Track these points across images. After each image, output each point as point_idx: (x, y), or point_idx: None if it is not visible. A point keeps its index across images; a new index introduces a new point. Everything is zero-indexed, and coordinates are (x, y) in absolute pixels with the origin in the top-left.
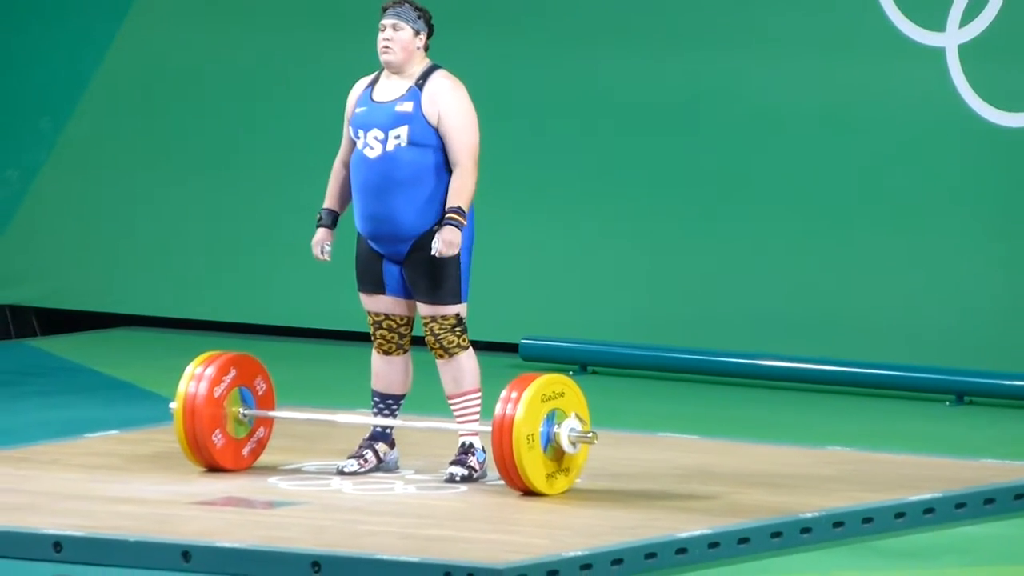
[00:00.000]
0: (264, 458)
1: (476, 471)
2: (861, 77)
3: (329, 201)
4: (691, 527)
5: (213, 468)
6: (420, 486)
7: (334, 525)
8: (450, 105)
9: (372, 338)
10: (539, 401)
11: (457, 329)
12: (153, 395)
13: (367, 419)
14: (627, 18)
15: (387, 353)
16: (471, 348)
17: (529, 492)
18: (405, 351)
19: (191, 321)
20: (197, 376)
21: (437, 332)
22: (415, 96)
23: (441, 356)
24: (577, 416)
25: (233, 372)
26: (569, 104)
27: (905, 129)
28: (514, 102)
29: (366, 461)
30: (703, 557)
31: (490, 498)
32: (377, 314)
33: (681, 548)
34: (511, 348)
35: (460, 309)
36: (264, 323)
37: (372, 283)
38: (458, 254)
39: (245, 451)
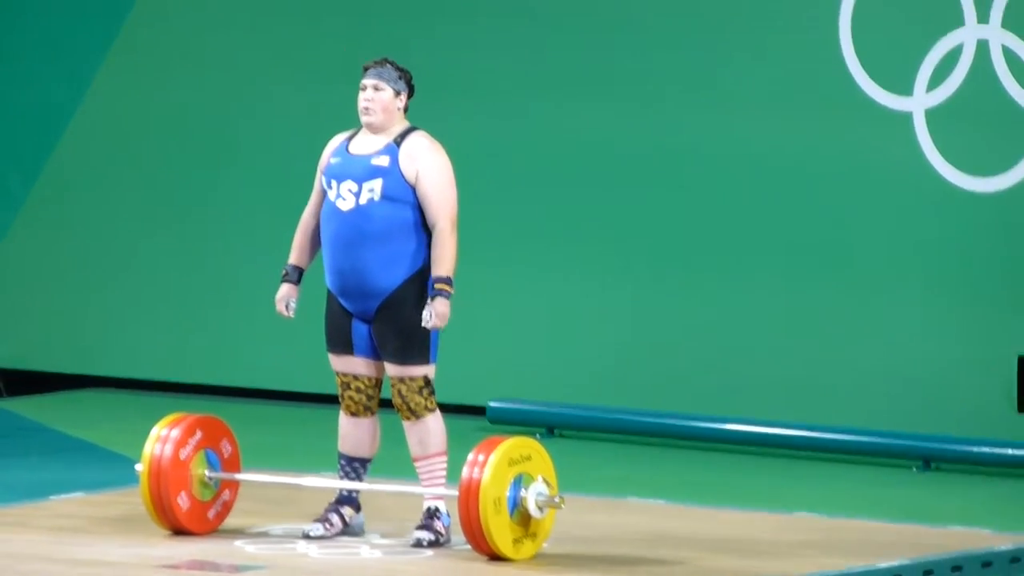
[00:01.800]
0: (230, 521)
1: (442, 536)
2: (829, 140)
3: (295, 256)
4: None
5: (179, 531)
6: (386, 550)
7: None
8: (429, 164)
9: (340, 399)
10: (506, 465)
11: (425, 391)
12: (119, 457)
13: (333, 482)
14: (598, 74)
15: (355, 415)
16: (438, 411)
17: (496, 557)
18: (373, 413)
19: (158, 383)
20: (163, 438)
21: (404, 394)
22: (392, 151)
23: (408, 418)
24: (544, 480)
25: (199, 434)
26: (537, 163)
27: (872, 193)
28: (481, 160)
29: (332, 525)
30: None
31: (456, 563)
32: (345, 375)
33: None
34: (478, 411)
35: (428, 371)
36: (230, 385)
37: (341, 343)
38: None
39: (211, 514)
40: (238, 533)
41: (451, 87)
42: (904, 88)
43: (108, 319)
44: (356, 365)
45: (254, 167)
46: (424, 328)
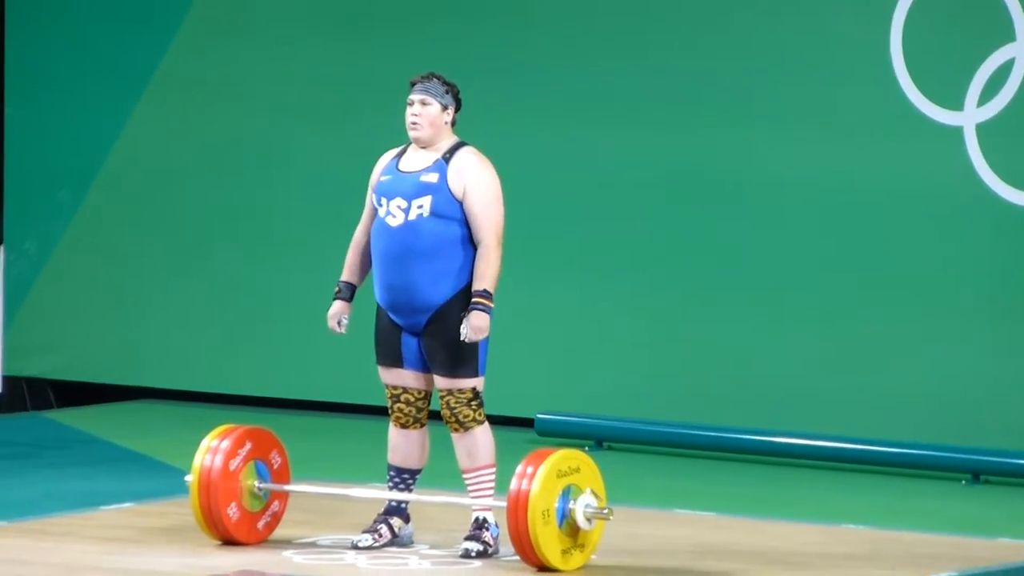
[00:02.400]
0: (279, 531)
1: (490, 546)
2: (879, 155)
3: (347, 273)
4: None
5: (228, 541)
6: (435, 561)
7: None
8: (476, 180)
9: (389, 411)
10: (555, 476)
11: (473, 403)
12: (168, 468)
13: (382, 493)
14: (642, 93)
15: (404, 427)
16: (487, 423)
17: (544, 568)
18: (422, 425)
19: (207, 394)
20: (213, 449)
21: (453, 405)
22: (441, 168)
23: (456, 430)
24: (593, 492)
25: (248, 445)
26: (585, 178)
27: (922, 208)
28: (529, 177)
29: (380, 536)
30: None
31: (505, 573)
32: (395, 387)
33: None
34: (527, 423)
35: (477, 383)
36: (280, 396)
37: (391, 356)
38: None
39: (260, 524)
40: (287, 543)
41: (497, 106)
42: (955, 103)
43: (158, 331)
44: (406, 378)
45: (303, 183)
46: (474, 341)
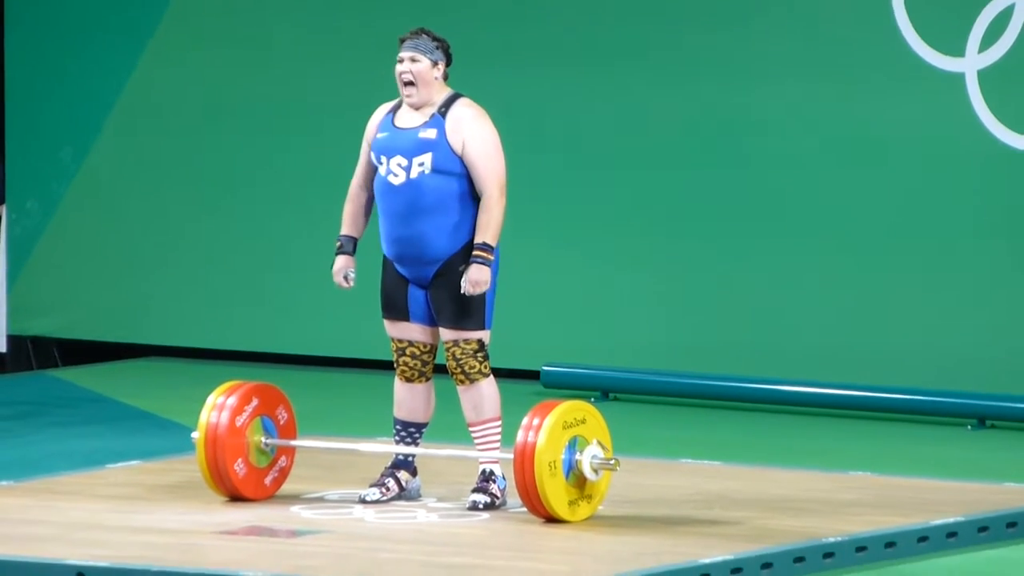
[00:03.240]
0: (286, 487)
1: (498, 498)
2: (881, 104)
3: (347, 227)
4: (714, 553)
5: (235, 497)
6: (442, 514)
7: (356, 554)
8: (474, 133)
9: (395, 365)
10: (561, 428)
11: (479, 355)
12: (175, 425)
13: (389, 447)
14: (648, 49)
15: (410, 380)
16: (492, 376)
17: (551, 519)
18: (428, 379)
19: (212, 351)
20: (219, 406)
21: (459, 356)
22: (439, 123)
23: (462, 382)
24: (599, 443)
25: (255, 402)
26: (590, 133)
27: (925, 155)
28: (534, 131)
29: (388, 489)
30: None
31: (512, 525)
32: (401, 341)
33: (704, 574)
34: (532, 375)
35: (483, 335)
36: (285, 352)
37: (397, 309)
38: None
39: (267, 480)
40: (295, 499)
41: (504, 58)
42: (956, 49)
43: (162, 288)
44: (412, 331)
45: (308, 138)
46: (481, 293)
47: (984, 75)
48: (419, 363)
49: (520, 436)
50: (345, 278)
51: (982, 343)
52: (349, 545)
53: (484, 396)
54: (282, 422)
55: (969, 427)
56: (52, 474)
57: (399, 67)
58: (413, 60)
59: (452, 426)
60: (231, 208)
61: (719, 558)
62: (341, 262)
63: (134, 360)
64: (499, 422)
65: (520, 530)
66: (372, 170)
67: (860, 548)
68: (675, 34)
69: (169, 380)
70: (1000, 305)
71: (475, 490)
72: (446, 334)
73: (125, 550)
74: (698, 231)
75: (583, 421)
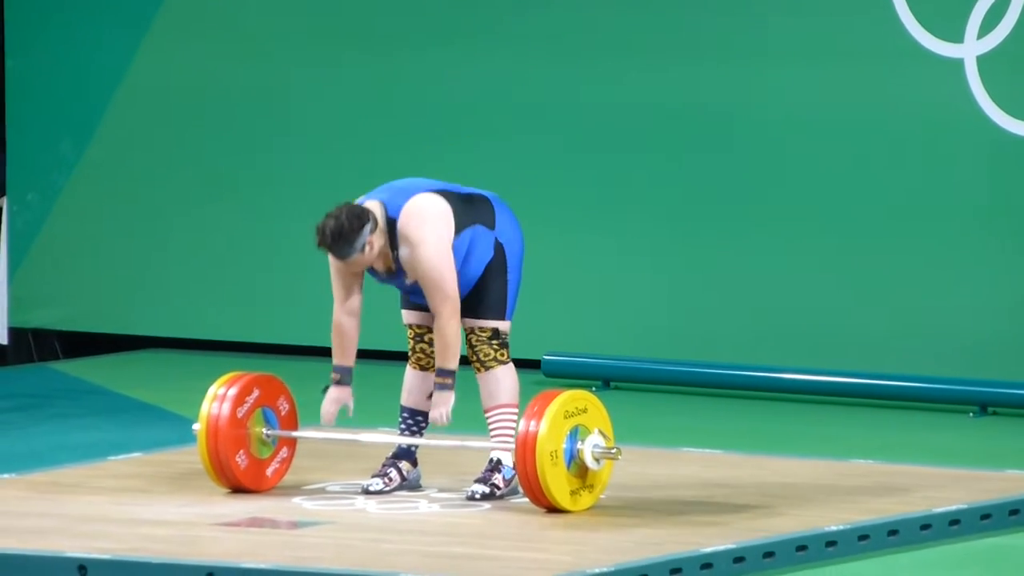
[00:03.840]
0: (288, 478)
1: (499, 488)
2: (879, 89)
3: (340, 357)
4: (716, 542)
5: (237, 489)
6: (444, 504)
7: (359, 544)
8: (416, 260)
9: (410, 352)
10: (562, 417)
11: (494, 343)
12: (176, 417)
13: (391, 437)
14: (647, 33)
15: (424, 368)
16: (511, 364)
17: (553, 509)
18: None
19: (214, 342)
20: (220, 397)
21: (474, 343)
22: (400, 271)
23: (478, 369)
24: (600, 432)
25: (256, 392)
26: (591, 120)
27: (924, 140)
28: (536, 119)
29: (391, 480)
30: (728, 571)
31: (514, 515)
32: (419, 327)
33: (706, 563)
34: (533, 364)
35: (500, 324)
36: (287, 343)
37: (417, 295)
38: (505, 272)
39: (269, 471)
40: (296, 490)
41: (500, 47)
42: (955, 35)
43: (162, 280)
44: (429, 318)
45: (305, 129)
46: (502, 283)
47: (983, 61)
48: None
49: (521, 426)
50: (341, 409)
51: (984, 330)
52: (351, 536)
53: (498, 382)
54: (283, 413)
55: (971, 414)
56: (54, 466)
57: (346, 268)
58: (355, 262)
59: (459, 416)
60: (232, 198)
61: (721, 547)
62: (338, 392)
63: (135, 352)
64: (514, 409)
65: (522, 520)
66: (354, 291)
67: (863, 536)
68: (672, 21)
69: (170, 372)
70: (1002, 291)
71: (477, 480)
72: (464, 321)
73: (127, 542)
74: (698, 219)
75: (584, 410)
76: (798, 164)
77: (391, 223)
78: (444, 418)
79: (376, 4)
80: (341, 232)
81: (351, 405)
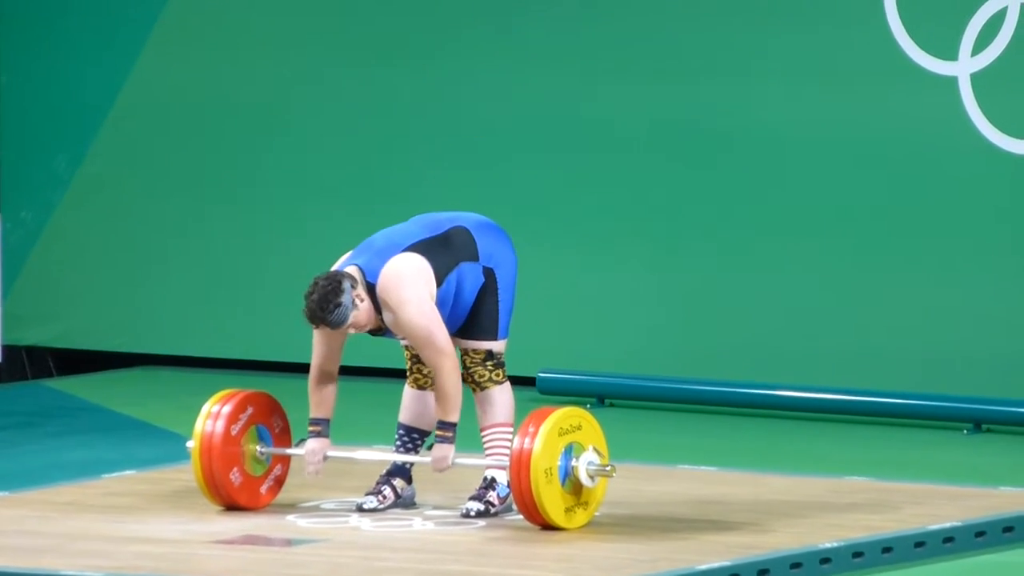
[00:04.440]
0: (282, 496)
1: (494, 506)
2: (874, 106)
3: (318, 410)
4: (711, 559)
5: (231, 506)
6: (438, 522)
7: (353, 562)
8: (399, 319)
9: (408, 373)
10: (556, 435)
11: (488, 363)
12: (170, 434)
13: (386, 455)
14: (641, 49)
15: (422, 388)
16: (507, 383)
17: (548, 526)
18: None
19: (209, 359)
20: (214, 415)
21: (468, 365)
22: (388, 331)
23: (474, 390)
24: (595, 449)
25: (250, 410)
26: (583, 135)
27: (918, 158)
28: (530, 133)
29: (385, 497)
30: None
31: (509, 533)
32: (411, 347)
33: None
34: (529, 382)
35: (494, 345)
36: (282, 360)
37: None
38: (496, 292)
39: (263, 489)
40: (291, 508)
41: (503, 60)
42: (949, 53)
43: (157, 297)
44: None
45: (301, 145)
46: (494, 303)
47: (977, 78)
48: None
49: (516, 444)
50: (318, 461)
51: (978, 347)
52: (345, 554)
53: (494, 401)
54: (277, 430)
55: (965, 431)
56: (48, 484)
57: (340, 334)
58: (351, 324)
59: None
60: (226, 216)
61: (716, 564)
62: (317, 443)
63: (130, 369)
64: (509, 428)
65: (517, 537)
66: (335, 357)
67: (857, 554)
68: (664, 38)
69: (165, 389)
70: (996, 308)
71: (472, 497)
72: (458, 342)
73: (121, 560)
74: (693, 237)
75: (579, 427)
76: (791, 182)
77: (371, 288)
78: (443, 469)
79: (373, 18)
80: (327, 299)
81: (328, 455)
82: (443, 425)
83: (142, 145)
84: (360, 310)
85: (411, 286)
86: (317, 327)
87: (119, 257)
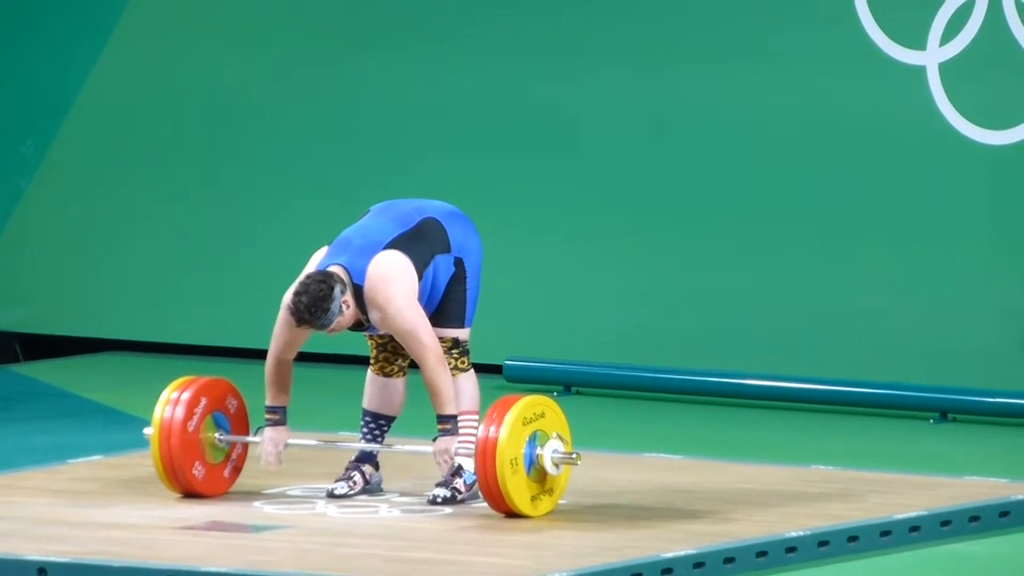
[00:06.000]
0: (247, 482)
1: (461, 493)
2: (842, 96)
3: (275, 399)
4: (676, 547)
5: (191, 494)
6: (404, 508)
7: (318, 548)
8: (387, 321)
9: (372, 360)
10: (521, 424)
11: (455, 352)
12: (137, 420)
13: (352, 443)
14: (613, 38)
15: (388, 376)
16: (472, 371)
17: (513, 514)
18: (404, 373)
19: (174, 345)
20: (172, 401)
21: None
22: (372, 326)
23: None
24: (559, 436)
25: (203, 402)
26: (551, 122)
27: (886, 148)
28: (498, 122)
29: (355, 483)
30: None
31: (474, 520)
32: (380, 336)
33: (666, 568)
34: (495, 369)
35: (459, 333)
36: (247, 347)
37: None
38: (464, 281)
39: (225, 473)
40: (256, 494)
41: (473, 50)
42: (918, 42)
43: (123, 283)
44: None
45: (267, 133)
46: (461, 292)
47: (945, 68)
48: (399, 357)
49: (480, 433)
50: (279, 453)
51: (944, 337)
52: (311, 540)
53: (460, 390)
54: (232, 411)
55: (931, 421)
56: (13, 469)
57: (317, 334)
58: (335, 327)
59: (419, 421)
60: (193, 202)
61: (681, 552)
62: (276, 433)
63: (96, 355)
64: (475, 416)
65: (483, 525)
66: (294, 349)
67: (823, 543)
68: (634, 27)
69: (131, 375)
70: (962, 299)
71: (438, 484)
72: None
73: (87, 545)
74: (661, 225)
75: (542, 415)
76: (759, 171)
77: (357, 289)
78: (445, 465)
79: (338, 8)
80: (317, 304)
81: (285, 446)
82: (443, 419)
83: (110, 131)
84: (345, 316)
85: (397, 284)
86: (300, 326)
87: (86, 242)
